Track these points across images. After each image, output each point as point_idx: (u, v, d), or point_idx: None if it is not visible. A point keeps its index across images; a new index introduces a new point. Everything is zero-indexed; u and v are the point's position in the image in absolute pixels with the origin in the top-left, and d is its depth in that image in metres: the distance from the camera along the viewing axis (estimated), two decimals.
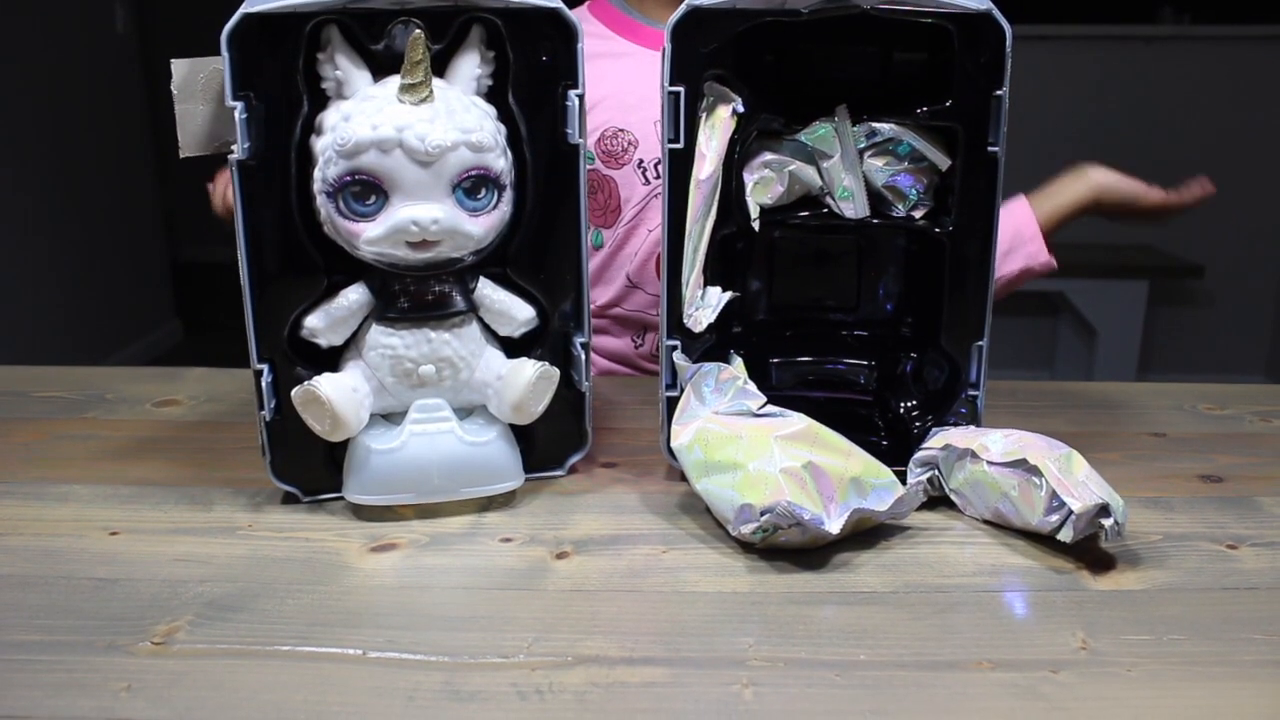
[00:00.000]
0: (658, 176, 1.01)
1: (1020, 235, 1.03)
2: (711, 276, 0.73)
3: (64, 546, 0.65)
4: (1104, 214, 1.06)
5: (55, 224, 3.01)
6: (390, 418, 0.70)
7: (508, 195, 0.67)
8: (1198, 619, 0.58)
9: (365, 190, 0.63)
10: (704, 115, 0.70)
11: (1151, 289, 2.99)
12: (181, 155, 0.67)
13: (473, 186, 0.64)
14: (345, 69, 0.65)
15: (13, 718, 0.49)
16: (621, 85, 1.02)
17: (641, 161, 1.02)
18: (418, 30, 0.63)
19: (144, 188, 3.53)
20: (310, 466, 0.71)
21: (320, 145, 0.64)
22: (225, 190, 1.02)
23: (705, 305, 0.72)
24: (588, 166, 1.01)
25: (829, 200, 0.75)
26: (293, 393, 0.66)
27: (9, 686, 0.51)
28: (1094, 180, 1.03)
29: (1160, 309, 3.15)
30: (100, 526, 0.68)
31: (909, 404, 0.77)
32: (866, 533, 0.66)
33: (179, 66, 0.66)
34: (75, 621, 0.57)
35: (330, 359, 0.70)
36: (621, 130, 1.02)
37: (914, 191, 0.74)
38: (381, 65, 0.65)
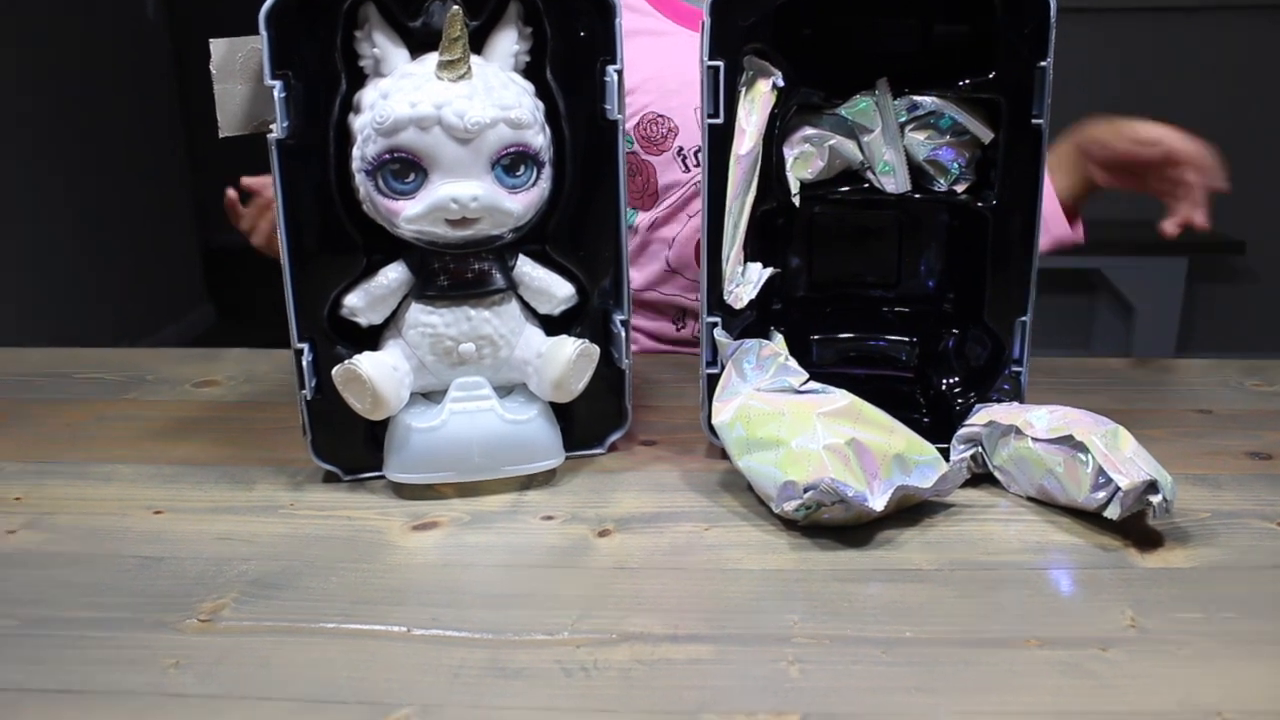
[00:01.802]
0: (698, 165, 1.00)
1: (1048, 219, 0.96)
2: (752, 252, 0.72)
3: (110, 525, 0.66)
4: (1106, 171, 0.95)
5: (87, 211, 3.04)
6: (430, 396, 0.71)
7: (546, 172, 0.66)
8: (1249, 597, 0.57)
9: (404, 168, 0.63)
10: (743, 90, 0.70)
11: (1191, 265, 2.95)
12: (221, 135, 0.67)
13: (511, 163, 0.64)
14: (383, 46, 0.64)
15: (67, 691, 0.49)
16: (661, 69, 1.00)
17: (681, 149, 1.01)
18: (455, 7, 0.62)
19: (175, 174, 3.55)
20: (351, 445, 0.71)
21: (359, 123, 0.64)
22: (255, 216, 0.97)
23: (746, 281, 0.72)
24: (628, 151, 1.00)
25: (870, 175, 0.74)
26: (333, 371, 0.66)
27: (62, 662, 0.51)
28: (1083, 137, 0.94)
29: (1200, 286, 3.11)
30: (144, 505, 0.68)
31: (951, 380, 0.76)
32: (910, 510, 0.65)
33: (217, 46, 0.66)
34: (123, 599, 0.57)
35: (370, 338, 0.70)
36: (661, 116, 1.01)
37: (956, 165, 0.73)
38: (419, 42, 0.65)
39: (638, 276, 1.06)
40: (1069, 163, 0.97)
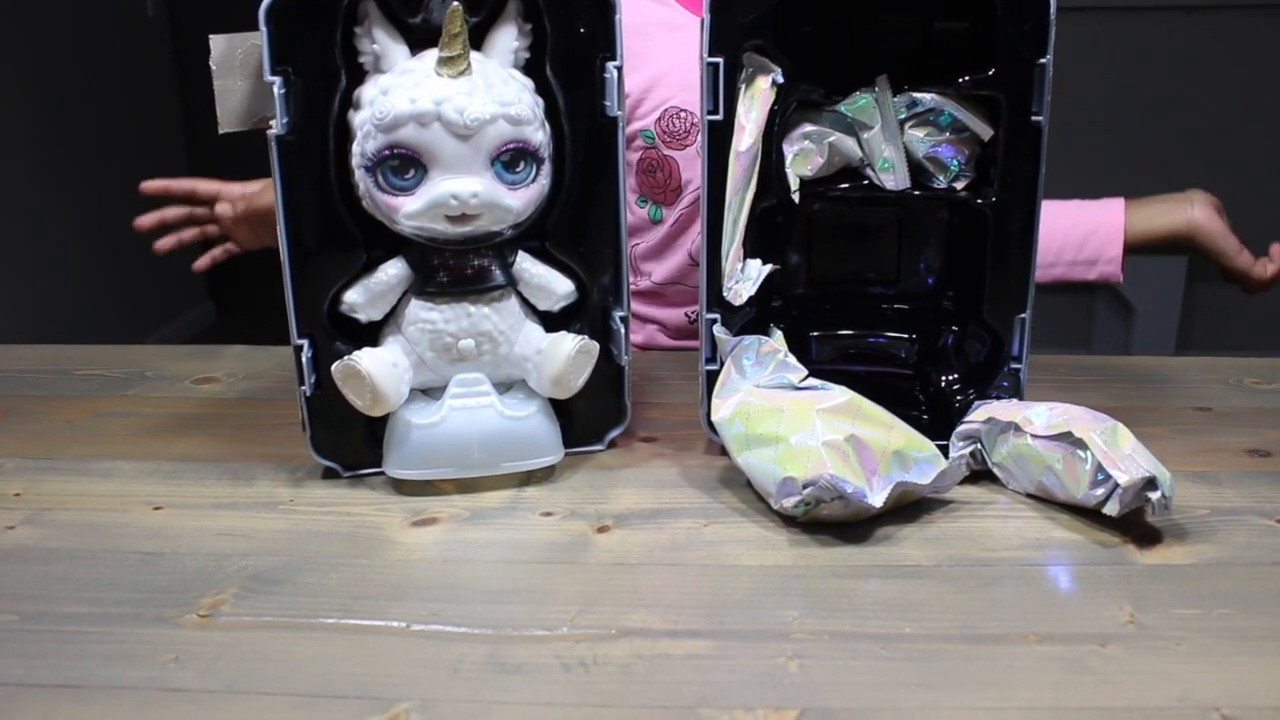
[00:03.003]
0: None
1: (1103, 253, 1.02)
2: (751, 249, 0.72)
3: (109, 521, 0.66)
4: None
5: (87, 208, 3.04)
6: (430, 393, 0.71)
7: (546, 168, 0.66)
8: (1248, 594, 0.57)
9: (404, 164, 0.63)
10: (743, 86, 0.70)
11: (1191, 265, 2.95)
12: (220, 131, 0.67)
13: (511, 160, 0.64)
14: (383, 43, 0.64)
15: (66, 686, 0.49)
16: (681, 61, 0.98)
17: None
18: (455, 3, 0.62)
19: (176, 171, 3.55)
20: (350, 441, 0.71)
21: (358, 120, 0.64)
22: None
23: (745, 278, 0.72)
24: (647, 146, 1.00)
25: (869, 172, 0.74)
26: (333, 368, 0.66)
27: (62, 656, 0.52)
28: (1195, 221, 1.01)
29: (1200, 285, 3.10)
30: (144, 501, 0.68)
31: (950, 377, 0.76)
32: (909, 506, 0.65)
33: (217, 42, 0.66)
34: (123, 594, 0.57)
35: (369, 334, 0.70)
36: (683, 110, 0.99)
37: (955, 162, 0.73)
38: (419, 39, 0.65)
39: (660, 270, 1.06)
40: (1167, 226, 1.02)
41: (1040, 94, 0.69)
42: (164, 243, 0.93)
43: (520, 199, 0.65)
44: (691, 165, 1.01)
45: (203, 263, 0.92)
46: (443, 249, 0.66)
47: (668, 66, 0.99)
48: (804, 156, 0.73)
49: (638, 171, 1.03)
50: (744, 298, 0.72)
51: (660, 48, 0.98)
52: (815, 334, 0.80)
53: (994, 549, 0.62)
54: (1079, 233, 1.02)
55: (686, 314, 1.08)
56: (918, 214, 0.79)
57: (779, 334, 0.75)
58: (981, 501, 0.67)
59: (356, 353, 0.67)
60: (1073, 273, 1.03)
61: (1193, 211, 1.01)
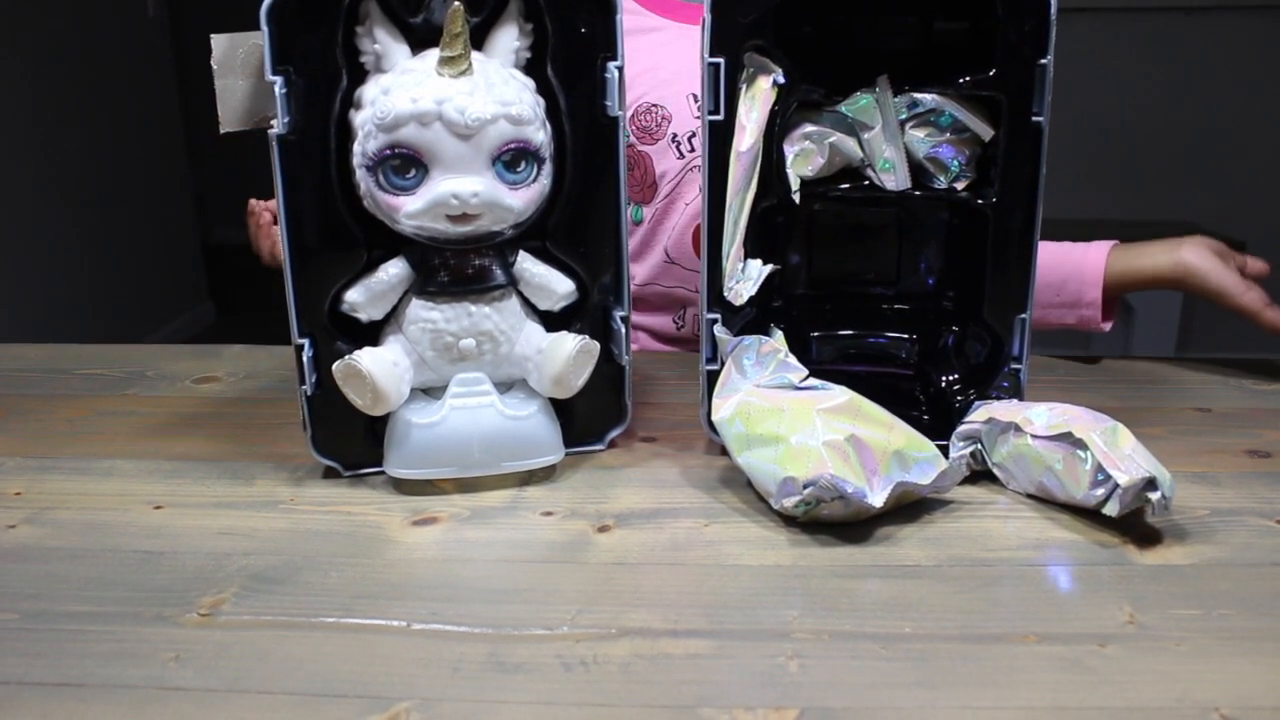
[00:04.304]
0: (692, 149, 1.00)
1: (1082, 297, 0.95)
2: (752, 249, 0.72)
3: (110, 520, 0.66)
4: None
5: (87, 207, 3.04)
6: (431, 392, 0.71)
7: (547, 168, 0.66)
8: (1247, 594, 0.57)
9: (405, 164, 0.63)
10: (744, 87, 0.70)
11: None
12: (222, 131, 0.67)
13: (512, 159, 0.64)
14: (384, 42, 0.65)
15: (66, 685, 0.49)
16: (654, 60, 1.01)
17: (675, 136, 1.01)
18: (456, 3, 0.62)
19: (175, 170, 3.55)
20: (351, 441, 0.71)
21: (359, 119, 0.64)
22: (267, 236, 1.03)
23: (746, 278, 0.72)
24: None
25: (870, 172, 0.74)
26: (334, 367, 0.66)
27: (62, 655, 0.52)
28: (1185, 262, 0.91)
29: None
30: (144, 501, 0.68)
31: (951, 378, 0.76)
32: (909, 507, 0.66)
33: (219, 42, 0.66)
34: (123, 593, 0.57)
35: (370, 334, 0.70)
36: (655, 105, 1.01)
37: (956, 163, 0.73)
38: (420, 38, 0.65)
39: (640, 271, 1.06)
40: (1150, 269, 0.93)
41: (1041, 94, 0.69)
42: None
43: (521, 199, 0.65)
44: (664, 158, 1.02)
45: None
46: (443, 249, 0.66)
47: (642, 68, 1.00)
48: (804, 157, 0.73)
49: None
50: (744, 298, 0.72)
51: (634, 51, 0.99)
52: (815, 334, 0.81)
53: (994, 549, 0.62)
54: (1058, 275, 0.95)
55: (674, 320, 1.08)
56: (918, 214, 0.79)
57: (779, 334, 0.75)
58: (981, 502, 0.67)
59: (357, 352, 0.67)
60: (1050, 316, 0.97)
61: (1181, 253, 0.91)
